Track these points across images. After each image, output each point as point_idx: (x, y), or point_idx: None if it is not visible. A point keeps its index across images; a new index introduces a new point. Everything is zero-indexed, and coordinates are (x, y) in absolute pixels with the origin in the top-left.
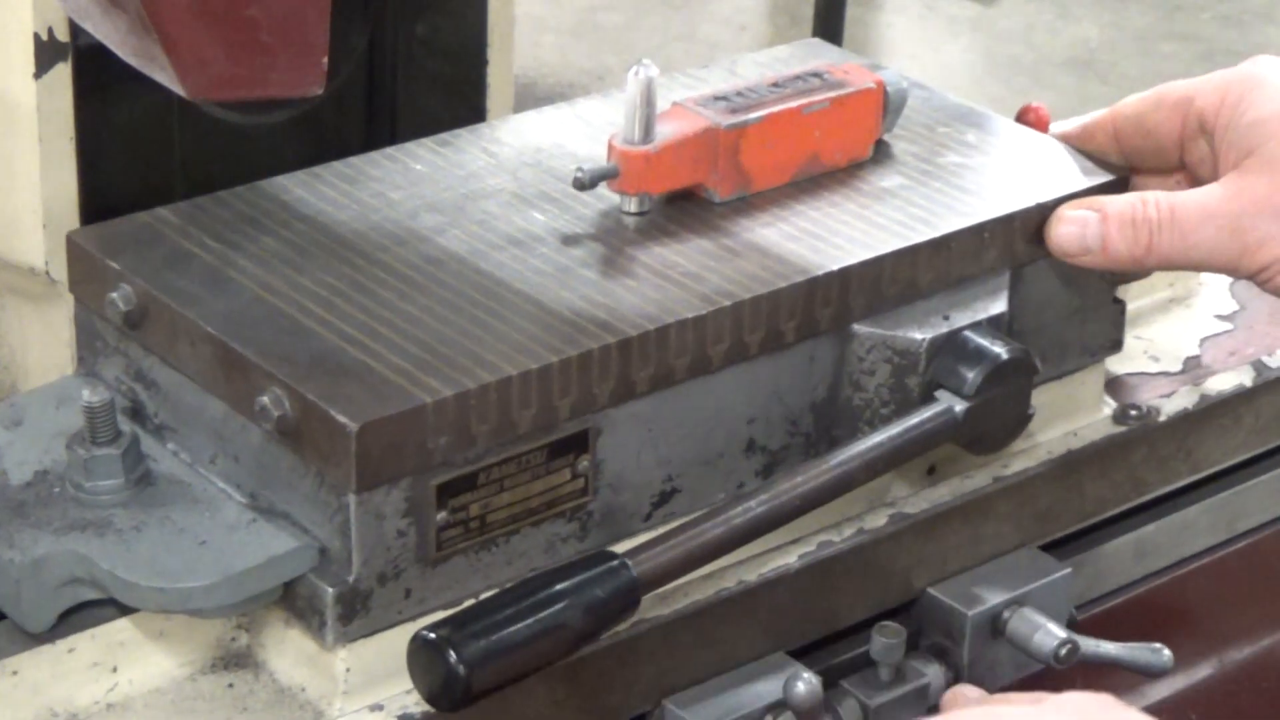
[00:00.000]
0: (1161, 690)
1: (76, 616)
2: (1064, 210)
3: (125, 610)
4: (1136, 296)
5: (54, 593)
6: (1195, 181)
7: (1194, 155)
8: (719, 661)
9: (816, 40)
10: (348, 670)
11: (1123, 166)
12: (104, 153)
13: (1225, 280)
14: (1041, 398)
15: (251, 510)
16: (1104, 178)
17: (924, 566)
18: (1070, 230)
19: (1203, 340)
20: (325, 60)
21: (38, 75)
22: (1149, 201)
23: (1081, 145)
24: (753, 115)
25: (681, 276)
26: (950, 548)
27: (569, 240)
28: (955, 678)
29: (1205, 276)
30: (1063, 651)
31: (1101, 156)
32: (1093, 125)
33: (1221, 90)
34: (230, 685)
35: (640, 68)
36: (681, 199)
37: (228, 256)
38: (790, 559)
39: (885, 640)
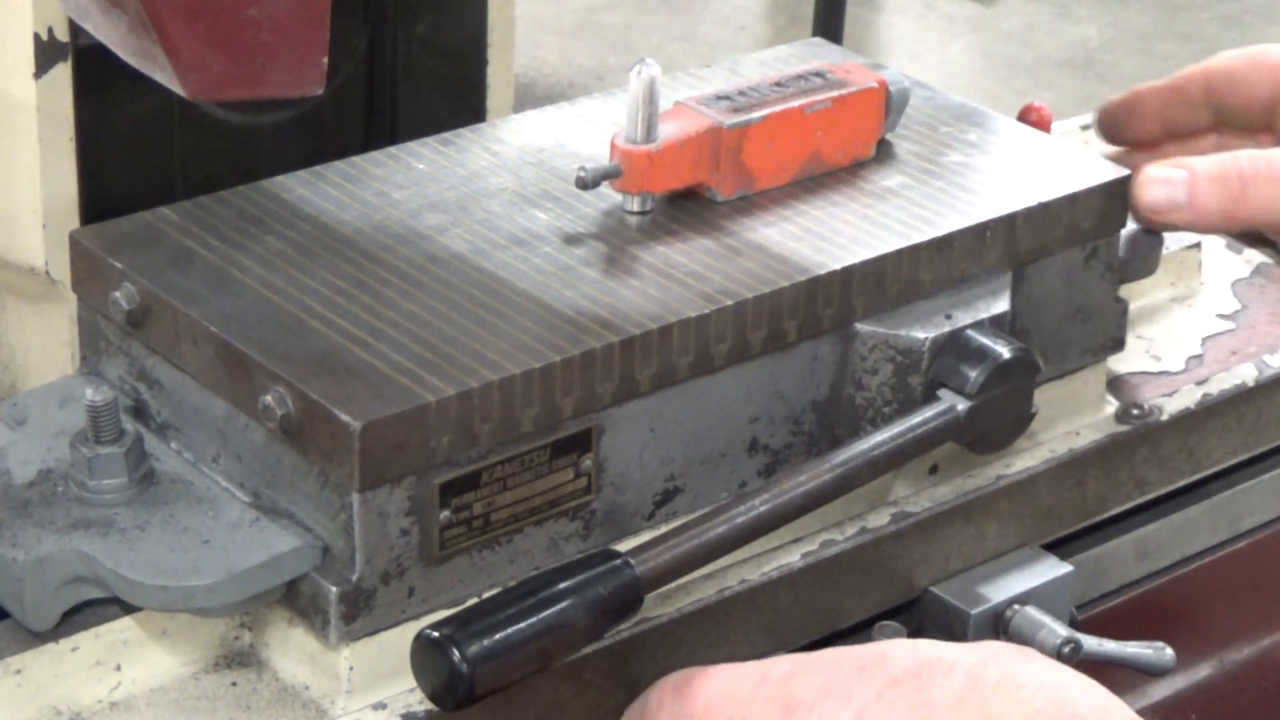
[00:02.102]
0: (1162, 690)
1: (80, 615)
2: (1150, 170)
3: (128, 609)
4: (1138, 296)
5: (57, 591)
6: None
7: None
8: (721, 660)
9: (818, 40)
10: (351, 669)
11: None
12: (104, 153)
13: (1228, 279)
14: (1044, 397)
15: (254, 509)
16: (1108, 176)
17: (926, 565)
18: (1159, 190)
19: (1205, 339)
20: (325, 60)
21: (38, 75)
22: (1240, 157)
23: (1171, 98)
24: (755, 114)
25: (684, 276)
26: (952, 547)
27: (571, 239)
28: None
29: (1207, 275)
30: (1065, 650)
31: (1190, 108)
32: (1184, 78)
33: None
34: (233, 684)
35: (643, 67)
36: (684, 198)
37: (230, 256)
38: (793, 558)
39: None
